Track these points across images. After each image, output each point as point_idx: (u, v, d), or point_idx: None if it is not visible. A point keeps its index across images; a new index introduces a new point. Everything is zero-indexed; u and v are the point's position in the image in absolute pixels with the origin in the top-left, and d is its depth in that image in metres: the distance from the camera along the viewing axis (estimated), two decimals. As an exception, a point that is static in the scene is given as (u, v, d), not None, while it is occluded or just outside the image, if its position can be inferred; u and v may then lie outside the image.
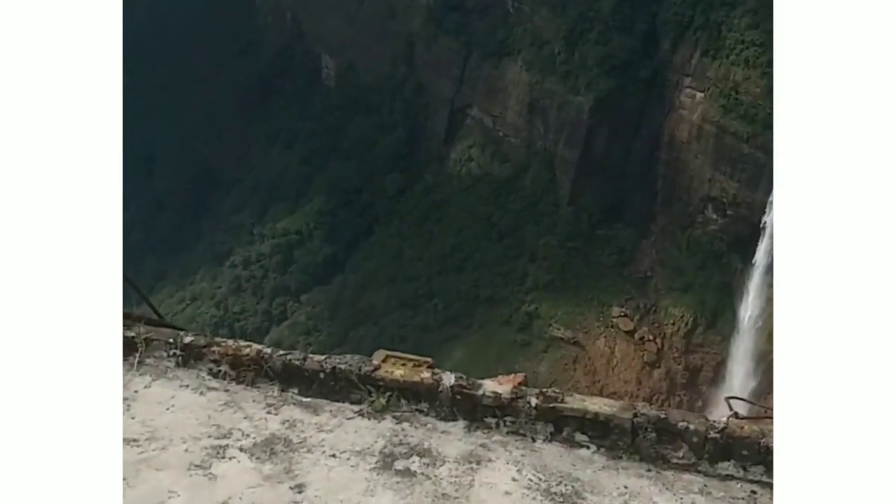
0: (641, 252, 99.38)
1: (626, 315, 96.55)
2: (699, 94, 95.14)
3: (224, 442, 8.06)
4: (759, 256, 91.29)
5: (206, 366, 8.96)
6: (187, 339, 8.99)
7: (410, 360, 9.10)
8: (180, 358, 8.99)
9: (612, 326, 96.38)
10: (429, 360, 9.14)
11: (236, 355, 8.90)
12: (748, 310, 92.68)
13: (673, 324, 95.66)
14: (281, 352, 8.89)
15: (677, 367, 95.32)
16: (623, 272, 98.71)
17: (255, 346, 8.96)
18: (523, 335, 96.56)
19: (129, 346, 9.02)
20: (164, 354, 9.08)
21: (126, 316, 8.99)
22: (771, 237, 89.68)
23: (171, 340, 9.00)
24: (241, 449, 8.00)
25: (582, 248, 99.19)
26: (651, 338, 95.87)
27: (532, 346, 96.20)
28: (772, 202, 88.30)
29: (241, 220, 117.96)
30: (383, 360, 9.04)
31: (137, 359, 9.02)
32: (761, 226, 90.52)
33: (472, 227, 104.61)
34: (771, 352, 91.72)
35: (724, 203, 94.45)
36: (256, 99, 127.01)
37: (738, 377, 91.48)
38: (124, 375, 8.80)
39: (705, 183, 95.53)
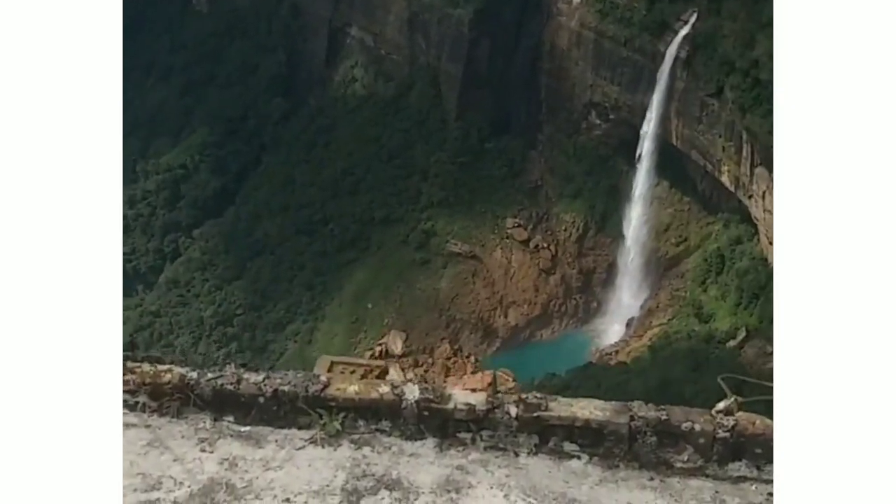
0: (531, 162, 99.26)
1: (520, 225, 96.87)
2: (576, 0, 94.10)
3: (153, 496, 6.58)
4: (642, 158, 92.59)
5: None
6: (92, 368, 7.33)
7: (360, 365, 7.87)
8: (86, 391, 7.35)
9: (507, 237, 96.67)
10: (381, 364, 7.82)
11: (156, 383, 7.33)
12: (634, 212, 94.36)
13: (565, 230, 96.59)
14: (209, 375, 7.34)
15: (572, 272, 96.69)
16: (514, 183, 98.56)
17: (177, 370, 7.39)
18: (421, 253, 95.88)
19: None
20: (66, 386, 7.42)
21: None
22: (652, 140, 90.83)
23: (73, 370, 7.34)
24: (174, 503, 6.55)
25: (472, 163, 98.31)
26: (545, 245, 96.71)
27: (431, 263, 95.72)
28: (650, 112, 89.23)
29: (123, 157, 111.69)
30: (329, 370, 7.70)
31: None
32: (642, 132, 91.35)
33: (362, 149, 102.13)
34: (657, 252, 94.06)
35: (606, 108, 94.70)
36: (125, 31, 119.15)
37: (630, 283, 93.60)
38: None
39: (587, 89, 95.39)
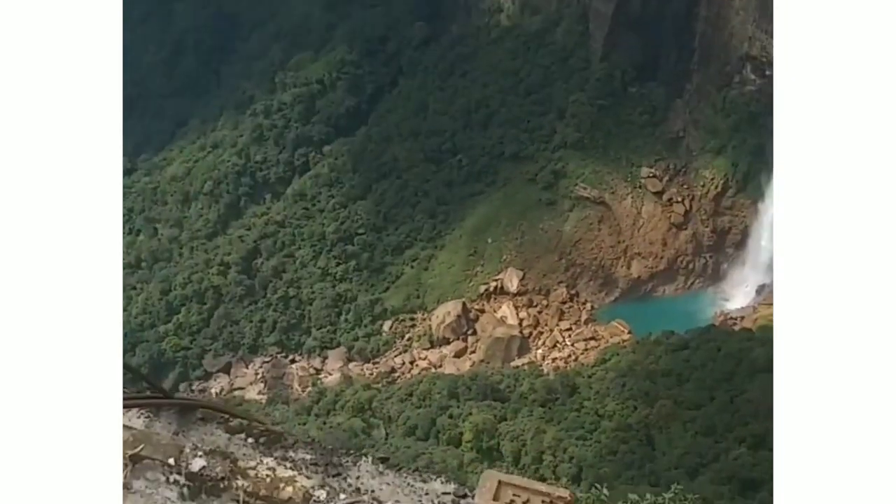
0: (674, 112, 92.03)
1: (655, 176, 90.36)
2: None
3: None
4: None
5: (228, 504, 3.69)
6: (196, 466, 4.37)
7: (538, 492, 4.29)
8: (186, 489, 4.11)
9: (640, 187, 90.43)
10: (565, 495, 4.00)
11: (272, 497, 3.51)
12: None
13: (703, 186, 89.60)
14: (342, 497, 3.60)
15: (704, 230, 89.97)
16: (654, 132, 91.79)
17: (302, 483, 3.76)
18: (548, 194, 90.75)
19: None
20: (162, 478, 4.85)
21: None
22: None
23: (172, 462, 3.81)
24: None
25: (613, 107, 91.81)
26: (679, 199, 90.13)
27: (557, 204, 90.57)
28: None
29: (263, 67, 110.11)
30: (496, 496, 4.20)
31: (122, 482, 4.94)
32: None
33: (499, 81, 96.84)
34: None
35: (763, 63, 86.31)
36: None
37: (766, 248, 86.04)
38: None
39: (745, 41, 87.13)
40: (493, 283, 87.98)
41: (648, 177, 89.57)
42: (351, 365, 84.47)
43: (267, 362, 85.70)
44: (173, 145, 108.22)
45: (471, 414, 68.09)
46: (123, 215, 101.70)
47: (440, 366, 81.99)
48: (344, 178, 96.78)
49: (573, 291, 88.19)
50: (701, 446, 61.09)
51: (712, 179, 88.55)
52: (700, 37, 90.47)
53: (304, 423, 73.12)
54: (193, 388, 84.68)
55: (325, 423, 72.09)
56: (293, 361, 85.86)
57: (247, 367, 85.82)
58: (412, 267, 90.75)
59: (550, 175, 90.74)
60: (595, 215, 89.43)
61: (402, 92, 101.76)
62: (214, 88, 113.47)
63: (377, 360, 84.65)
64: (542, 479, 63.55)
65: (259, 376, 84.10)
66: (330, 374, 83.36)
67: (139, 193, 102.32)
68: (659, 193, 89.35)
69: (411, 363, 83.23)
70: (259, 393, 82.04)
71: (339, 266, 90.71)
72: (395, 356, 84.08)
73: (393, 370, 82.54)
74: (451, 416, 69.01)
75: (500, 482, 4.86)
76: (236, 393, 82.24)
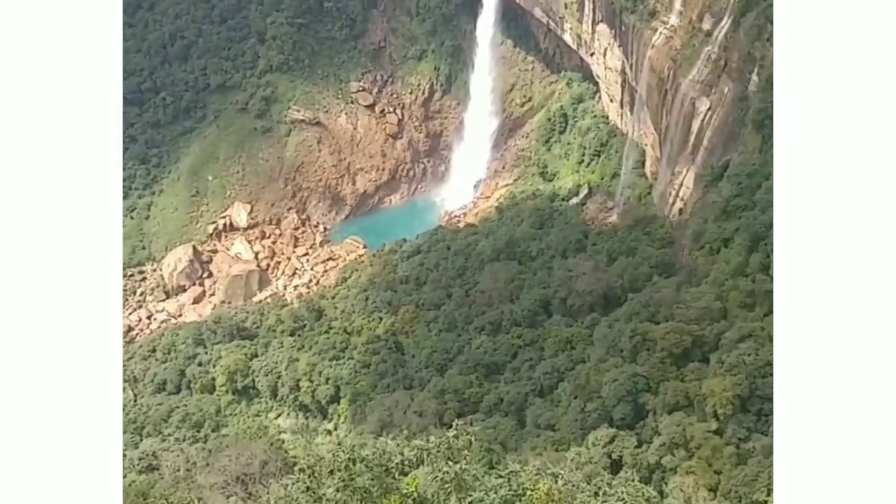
0: (372, 23, 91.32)
1: (364, 89, 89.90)
2: None
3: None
4: (485, 16, 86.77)
5: None
6: None
7: None
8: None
9: (351, 102, 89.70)
10: None
11: None
12: (478, 73, 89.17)
13: (411, 93, 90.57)
14: None
15: (419, 136, 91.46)
16: (356, 45, 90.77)
17: None
18: (263, 121, 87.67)
19: None
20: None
21: None
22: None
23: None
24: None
25: (312, 24, 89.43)
26: (391, 109, 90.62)
27: (273, 131, 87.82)
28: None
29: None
30: None
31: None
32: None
33: (191, 10, 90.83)
34: (503, 112, 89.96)
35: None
36: None
37: (476, 145, 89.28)
38: None
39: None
40: (222, 221, 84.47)
41: (358, 91, 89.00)
42: (83, 333, 78.10)
43: (-14, 349, 77.09)
44: None
45: (220, 357, 65.96)
46: None
47: (180, 315, 78.12)
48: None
49: (304, 216, 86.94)
50: (445, 342, 63.21)
51: (418, 85, 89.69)
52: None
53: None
54: None
55: (64, 400, 66.67)
56: (16, 342, 77.91)
57: (-37, 359, 76.76)
58: (132, 218, 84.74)
59: (261, 102, 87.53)
60: (313, 137, 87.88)
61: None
62: None
63: (111, 322, 78.90)
64: (303, 406, 63.39)
65: (-21, 366, 75.50)
66: (61, 348, 76.68)
67: None
68: (371, 106, 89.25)
69: (149, 318, 78.56)
70: (-17, 383, 73.89)
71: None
72: (130, 314, 78.91)
73: (130, 329, 77.52)
74: (200, 364, 66.52)
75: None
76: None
